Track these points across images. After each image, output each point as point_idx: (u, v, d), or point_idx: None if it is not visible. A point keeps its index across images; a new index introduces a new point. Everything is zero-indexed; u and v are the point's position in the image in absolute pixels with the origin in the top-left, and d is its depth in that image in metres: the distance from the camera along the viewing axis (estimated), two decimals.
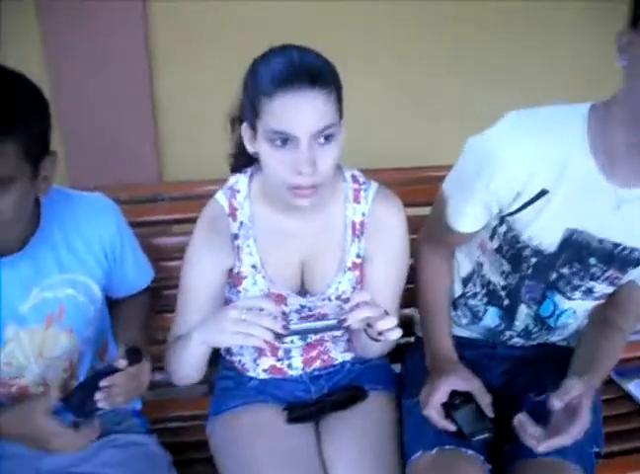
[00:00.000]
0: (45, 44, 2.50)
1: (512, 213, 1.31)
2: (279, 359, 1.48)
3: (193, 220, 1.40)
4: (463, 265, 1.51)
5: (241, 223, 1.35)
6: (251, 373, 1.50)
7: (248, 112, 1.21)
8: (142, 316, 1.51)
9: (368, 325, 1.21)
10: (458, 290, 1.53)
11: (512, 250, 1.37)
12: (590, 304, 1.42)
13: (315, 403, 1.44)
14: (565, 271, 1.35)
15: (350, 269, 1.38)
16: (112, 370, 1.22)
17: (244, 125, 1.25)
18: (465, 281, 1.51)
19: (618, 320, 1.41)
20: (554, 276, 1.37)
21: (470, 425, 1.25)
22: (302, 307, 1.40)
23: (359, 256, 1.38)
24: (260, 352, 1.48)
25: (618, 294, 1.40)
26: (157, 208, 1.75)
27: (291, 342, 1.45)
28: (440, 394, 1.29)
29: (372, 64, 2.72)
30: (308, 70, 1.15)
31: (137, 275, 1.49)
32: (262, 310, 1.17)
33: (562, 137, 1.21)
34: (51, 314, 1.28)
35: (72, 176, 2.54)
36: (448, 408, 1.29)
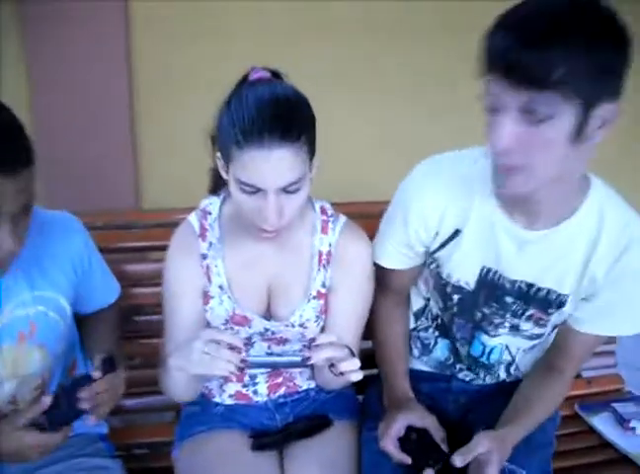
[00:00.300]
0: (29, 73, 2.54)
1: (434, 251, 1.41)
2: (244, 385, 1.52)
3: (166, 248, 1.44)
4: (414, 300, 1.58)
5: (210, 244, 1.40)
6: (217, 399, 1.53)
7: (221, 147, 1.25)
8: (112, 330, 1.54)
9: (332, 364, 1.24)
10: (411, 324, 1.59)
11: (439, 286, 1.46)
12: (524, 343, 1.46)
13: (280, 431, 1.46)
14: (486, 310, 1.42)
15: (315, 297, 1.42)
16: (87, 380, 1.22)
17: (217, 155, 1.28)
18: (417, 316, 1.58)
19: (560, 363, 1.43)
20: (479, 315, 1.44)
21: (425, 457, 1.27)
22: (266, 330, 1.43)
23: (324, 285, 1.43)
24: (226, 378, 1.50)
25: (558, 337, 1.44)
26: (131, 235, 1.78)
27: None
28: (397, 428, 1.32)
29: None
30: (279, 125, 1.16)
31: (105, 289, 1.52)
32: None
33: (466, 180, 1.31)
34: (23, 332, 1.30)
35: (51, 202, 2.55)
36: (404, 442, 1.32)
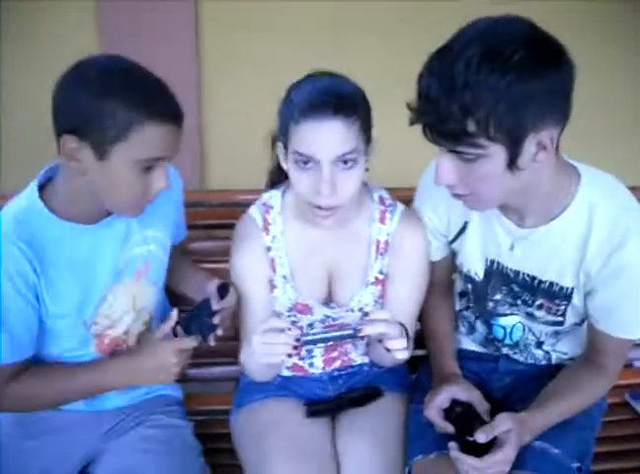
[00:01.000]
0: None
1: (450, 242, 1.49)
2: (301, 358, 1.60)
3: (230, 226, 1.54)
4: (458, 283, 1.64)
5: (274, 237, 1.48)
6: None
7: (281, 133, 1.34)
8: (191, 261, 1.70)
9: (381, 340, 1.31)
10: (457, 305, 1.66)
11: (459, 274, 1.54)
12: (546, 328, 1.48)
13: (333, 399, 1.54)
14: (497, 296, 1.47)
15: (372, 283, 1.49)
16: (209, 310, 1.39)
17: (279, 144, 1.37)
18: (460, 296, 1.64)
19: (595, 358, 1.42)
20: (491, 304, 1.49)
21: (468, 426, 1.32)
22: (327, 317, 1.52)
23: (381, 272, 1.50)
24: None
25: (588, 333, 1.44)
26: (197, 214, 1.87)
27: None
28: (442, 399, 1.39)
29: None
30: (332, 99, 1.26)
31: (183, 223, 1.65)
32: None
33: None
34: (140, 269, 1.45)
35: None
36: (449, 413, 1.38)
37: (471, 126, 1.07)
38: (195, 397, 1.82)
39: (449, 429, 1.35)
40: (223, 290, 1.42)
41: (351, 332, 1.29)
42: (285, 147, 1.34)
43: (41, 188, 1.32)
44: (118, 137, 1.18)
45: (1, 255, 1.24)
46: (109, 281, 1.40)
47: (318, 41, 2.67)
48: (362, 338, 1.32)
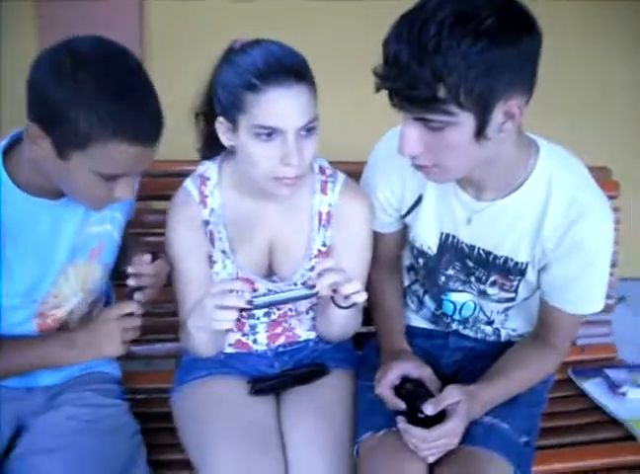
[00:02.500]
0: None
1: (403, 216, 1.47)
2: (244, 334, 1.55)
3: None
4: (405, 256, 1.62)
5: (212, 210, 1.42)
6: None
7: (225, 106, 1.27)
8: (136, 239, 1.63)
9: (334, 291, 1.26)
10: (405, 281, 1.64)
11: (409, 248, 1.53)
12: (497, 306, 1.49)
13: (278, 376, 1.50)
14: (450, 271, 1.46)
15: (315, 256, 1.45)
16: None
17: (219, 119, 1.30)
18: (408, 270, 1.63)
19: (544, 335, 1.43)
20: (442, 278, 1.48)
21: (419, 403, 1.29)
22: (269, 291, 1.45)
23: (324, 244, 1.46)
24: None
25: (539, 310, 1.44)
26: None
27: (257, 318, 1.51)
28: (393, 375, 1.36)
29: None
30: (293, 66, 1.22)
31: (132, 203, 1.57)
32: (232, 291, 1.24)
33: None
34: (94, 249, 1.39)
35: None
36: (399, 390, 1.36)
37: (442, 92, 1.04)
38: (134, 375, 1.76)
39: (401, 406, 1.33)
40: (153, 257, 1.37)
41: (304, 290, 1.25)
42: (233, 121, 1.27)
43: (5, 154, 1.24)
44: (77, 145, 1.10)
45: None
46: (64, 261, 1.34)
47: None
48: (316, 295, 1.25)
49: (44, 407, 1.42)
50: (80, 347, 1.33)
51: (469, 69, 1.02)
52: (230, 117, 1.27)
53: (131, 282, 1.33)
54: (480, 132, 1.10)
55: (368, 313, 1.63)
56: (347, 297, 1.26)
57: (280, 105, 1.21)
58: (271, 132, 1.23)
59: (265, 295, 1.27)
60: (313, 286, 1.24)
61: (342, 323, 1.44)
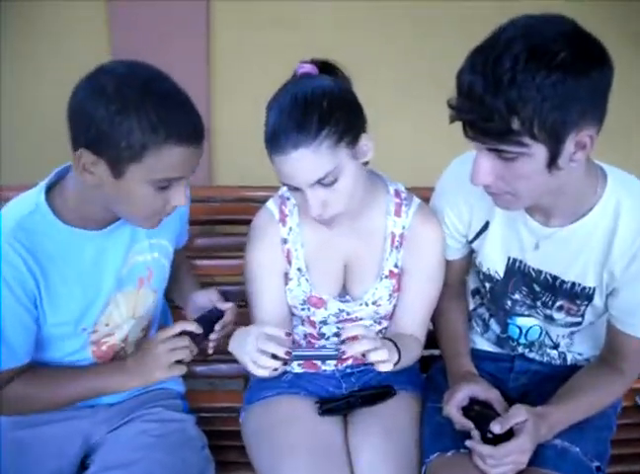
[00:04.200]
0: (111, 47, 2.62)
1: (470, 242, 1.48)
2: None
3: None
4: (471, 280, 1.64)
5: (290, 229, 1.46)
6: (286, 368, 1.58)
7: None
8: (190, 268, 1.69)
9: (363, 355, 1.29)
10: (471, 304, 1.65)
11: (475, 273, 1.54)
12: (562, 330, 1.48)
13: (346, 397, 1.51)
14: (517, 296, 1.46)
15: (387, 277, 1.48)
16: (219, 312, 1.42)
17: None
18: (473, 294, 1.64)
19: (612, 359, 1.42)
20: (509, 303, 1.48)
21: (487, 425, 1.30)
22: (340, 311, 1.50)
23: (396, 266, 1.48)
24: (296, 347, 1.55)
25: (607, 334, 1.43)
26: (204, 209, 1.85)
27: (327, 338, 1.54)
28: (461, 396, 1.37)
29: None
30: (290, 130, 1.22)
31: (185, 230, 1.62)
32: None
33: None
34: (142, 277, 1.43)
35: None
36: (467, 411, 1.36)
37: (515, 125, 1.06)
38: (200, 394, 1.80)
39: (469, 426, 1.33)
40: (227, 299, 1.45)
41: (335, 353, 1.28)
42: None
43: (49, 188, 1.30)
44: (133, 158, 1.14)
45: (1, 262, 1.21)
46: (112, 290, 1.38)
47: (330, 40, 2.66)
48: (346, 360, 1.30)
49: (111, 424, 1.46)
50: (130, 373, 1.35)
51: (543, 102, 1.04)
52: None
53: (218, 327, 1.40)
54: (552, 162, 1.11)
55: (434, 336, 1.64)
56: (372, 364, 1.30)
57: (284, 170, 1.25)
58: (292, 188, 1.29)
59: (300, 349, 1.35)
60: (343, 352, 1.26)
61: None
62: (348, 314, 1.50)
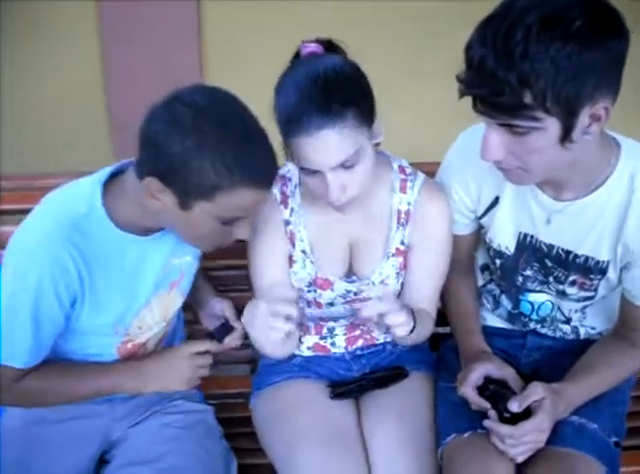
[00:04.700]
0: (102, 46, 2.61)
1: (480, 217, 1.45)
2: (322, 337, 1.56)
3: None
4: (480, 256, 1.61)
5: (292, 210, 1.43)
6: (295, 351, 1.57)
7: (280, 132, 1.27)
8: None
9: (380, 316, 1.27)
10: (480, 280, 1.62)
11: (485, 249, 1.51)
12: (575, 305, 1.46)
13: (358, 380, 1.50)
14: (528, 272, 1.44)
15: (393, 255, 1.45)
16: (231, 327, 1.43)
17: (289, 160, 1.31)
18: (482, 270, 1.61)
19: (628, 334, 1.40)
20: (520, 279, 1.46)
21: (504, 403, 1.28)
22: (347, 292, 1.47)
23: (402, 243, 1.45)
24: (304, 330, 1.55)
25: (621, 309, 1.41)
26: None
27: (336, 320, 1.52)
28: (476, 376, 1.35)
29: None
30: (315, 108, 1.18)
31: None
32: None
33: None
34: (174, 281, 1.41)
35: None
36: (482, 391, 1.34)
37: (528, 98, 1.02)
38: (210, 380, 1.75)
39: (486, 406, 1.31)
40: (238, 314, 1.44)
41: (349, 314, 1.31)
42: (289, 158, 1.28)
43: (104, 186, 1.26)
44: (203, 196, 1.12)
45: (50, 257, 1.18)
46: (150, 294, 1.36)
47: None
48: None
49: (132, 419, 1.44)
50: (146, 377, 1.34)
51: (557, 74, 1.00)
52: (286, 153, 1.28)
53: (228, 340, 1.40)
54: (565, 136, 1.08)
55: (443, 314, 1.62)
56: (389, 327, 1.28)
57: (307, 152, 1.21)
58: (311, 172, 1.24)
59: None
60: (358, 310, 1.26)
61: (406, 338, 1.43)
62: (355, 294, 1.47)
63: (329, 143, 1.19)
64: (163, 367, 1.34)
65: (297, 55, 1.30)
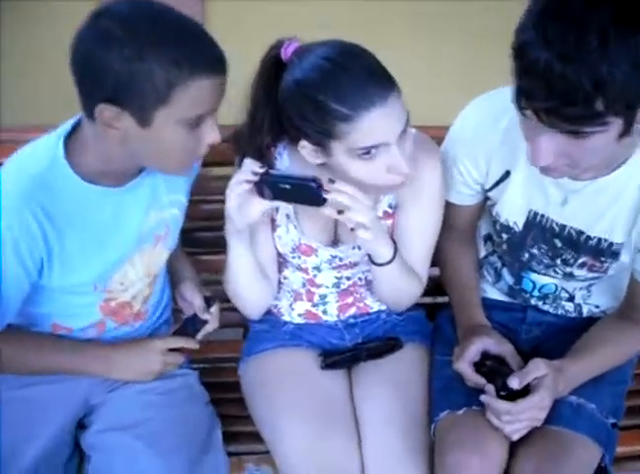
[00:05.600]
0: None
1: (488, 190, 1.38)
2: (314, 305, 1.50)
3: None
4: (483, 226, 1.54)
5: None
6: (286, 318, 1.52)
7: (308, 133, 1.19)
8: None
9: (341, 213, 1.20)
10: (482, 252, 1.55)
11: (490, 222, 1.45)
12: (580, 284, 1.41)
13: (350, 350, 1.46)
14: (535, 251, 1.38)
15: (381, 218, 1.38)
16: (200, 321, 1.40)
17: (302, 143, 1.22)
18: (485, 240, 1.54)
19: (635, 315, 1.36)
20: (526, 255, 1.39)
21: (501, 380, 1.24)
22: (333, 257, 1.41)
23: (390, 205, 1.39)
24: (296, 296, 1.50)
25: (629, 291, 1.36)
26: None
27: (326, 287, 1.47)
28: (473, 351, 1.30)
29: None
30: (378, 82, 1.14)
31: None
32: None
33: (517, 121, 1.17)
34: (159, 234, 1.35)
35: None
36: (479, 367, 1.30)
37: (600, 105, 0.92)
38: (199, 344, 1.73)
39: (481, 382, 1.27)
40: (209, 302, 1.41)
41: (313, 184, 1.16)
42: (322, 145, 1.19)
43: (65, 141, 1.19)
44: (159, 101, 1.06)
45: (11, 219, 1.12)
46: (131, 249, 1.30)
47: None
48: (320, 187, 1.17)
49: (111, 383, 1.39)
50: (112, 364, 1.32)
51: (633, 76, 0.91)
52: (316, 140, 1.19)
53: (199, 337, 1.39)
54: (625, 132, 1.00)
55: (438, 283, 1.56)
56: (352, 228, 1.21)
57: (380, 123, 1.14)
58: (375, 151, 1.16)
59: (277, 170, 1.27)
60: (325, 192, 1.17)
61: (389, 284, 1.38)
62: (341, 260, 1.41)
63: (396, 108, 1.15)
64: (132, 358, 1.32)
65: (275, 57, 1.23)
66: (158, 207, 1.32)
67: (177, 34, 1.06)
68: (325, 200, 1.18)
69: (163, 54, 1.03)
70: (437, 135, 1.45)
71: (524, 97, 0.99)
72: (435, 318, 1.63)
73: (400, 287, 1.39)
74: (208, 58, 1.08)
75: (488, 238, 1.53)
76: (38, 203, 1.13)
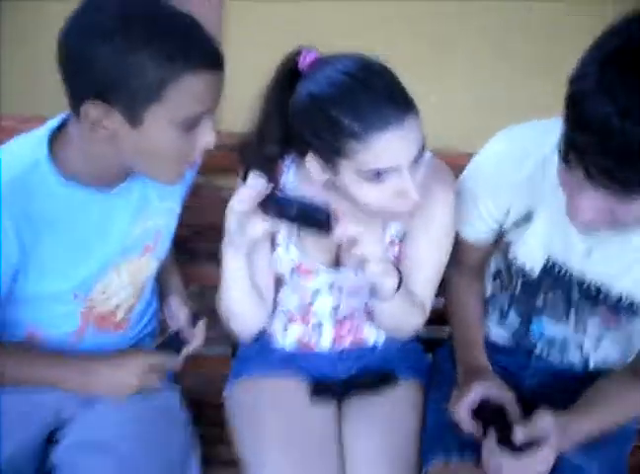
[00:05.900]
0: None
1: (506, 229, 1.30)
2: (308, 330, 1.43)
3: None
4: (492, 263, 1.45)
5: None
6: (278, 343, 1.45)
7: (318, 148, 1.13)
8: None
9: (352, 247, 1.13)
10: (489, 290, 1.47)
11: (505, 263, 1.36)
12: (592, 335, 1.34)
13: (342, 382, 1.40)
14: (549, 298, 1.31)
15: (388, 244, 1.32)
16: (182, 340, 1.33)
17: (309, 157, 1.16)
18: (494, 277, 1.45)
19: None
20: (539, 302, 1.33)
21: (500, 433, 1.18)
22: (333, 283, 1.35)
23: (397, 234, 1.32)
24: (290, 317, 1.43)
25: None
26: None
27: (323, 314, 1.41)
28: (473, 397, 1.24)
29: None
30: (397, 103, 1.07)
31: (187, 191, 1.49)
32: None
33: (544, 159, 1.11)
34: (149, 244, 1.29)
35: None
36: (477, 414, 1.23)
37: None
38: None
39: (479, 431, 1.20)
40: (195, 319, 1.35)
41: (322, 213, 1.08)
42: (330, 161, 1.12)
43: (51, 138, 1.14)
44: (151, 98, 1.00)
45: None
46: (116, 258, 1.24)
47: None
48: (329, 223, 1.09)
49: (84, 396, 1.31)
50: (91, 377, 1.23)
51: None
52: (325, 156, 1.13)
53: (183, 354, 1.32)
54: None
55: (440, 313, 1.50)
56: (360, 262, 1.13)
57: (394, 146, 1.06)
58: (385, 175, 1.09)
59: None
60: (334, 221, 1.09)
61: (390, 317, 1.30)
62: (340, 289, 1.35)
63: (412, 131, 1.08)
64: (111, 373, 1.23)
65: (292, 67, 1.16)
66: (148, 215, 1.26)
67: (169, 25, 1.01)
68: (332, 229, 1.10)
69: (155, 48, 0.98)
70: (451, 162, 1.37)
71: (574, 150, 0.91)
72: (433, 352, 1.57)
73: (402, 318, 1.32)
74: (203, 52, 1.03)
75: (497, 276, 1.45)
76: (18, 208, 1.08)
